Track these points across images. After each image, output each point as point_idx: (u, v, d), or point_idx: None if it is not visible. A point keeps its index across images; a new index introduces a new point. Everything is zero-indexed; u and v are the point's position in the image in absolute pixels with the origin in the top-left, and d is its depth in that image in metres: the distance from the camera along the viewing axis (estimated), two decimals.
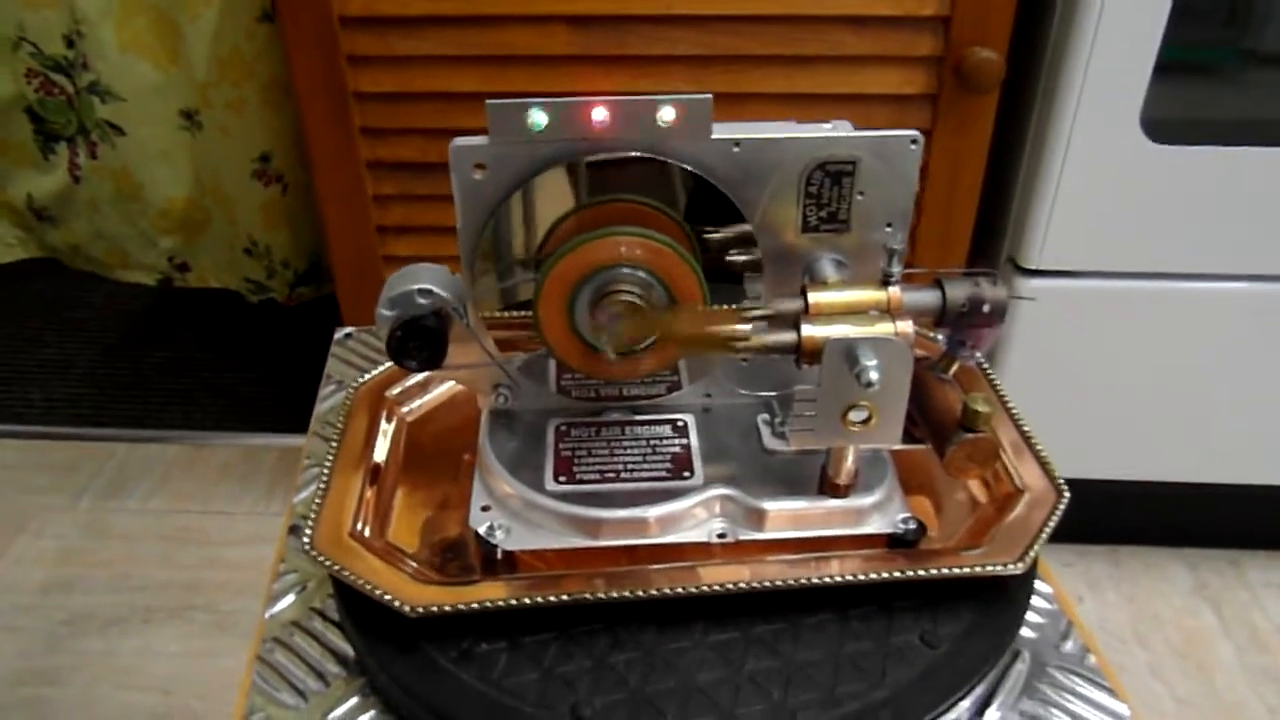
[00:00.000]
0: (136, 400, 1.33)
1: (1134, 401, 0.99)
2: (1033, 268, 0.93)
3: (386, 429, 0.52)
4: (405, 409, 0.54)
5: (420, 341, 0.45)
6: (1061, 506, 0.45)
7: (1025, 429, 0.49)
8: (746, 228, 0.45)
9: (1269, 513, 1.08)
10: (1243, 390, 0.97)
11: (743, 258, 0.46)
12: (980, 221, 0.92)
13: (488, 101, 0.41)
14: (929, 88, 0.85)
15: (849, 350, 0.40)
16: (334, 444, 0.49)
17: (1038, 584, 0.47)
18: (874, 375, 0.39)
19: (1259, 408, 0.98)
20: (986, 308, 0.43)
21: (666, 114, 0.41)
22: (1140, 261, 0.92)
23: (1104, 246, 0.91)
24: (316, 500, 0.46)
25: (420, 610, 0.41)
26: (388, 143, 0.90)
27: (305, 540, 0.43)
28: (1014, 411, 0.50)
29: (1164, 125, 0.86)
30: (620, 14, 0.83)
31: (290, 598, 0.47)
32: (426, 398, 0.54)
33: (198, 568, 1.11)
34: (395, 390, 0.54)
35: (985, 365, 0.53)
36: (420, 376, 0.54)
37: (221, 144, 1.29)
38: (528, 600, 0.41)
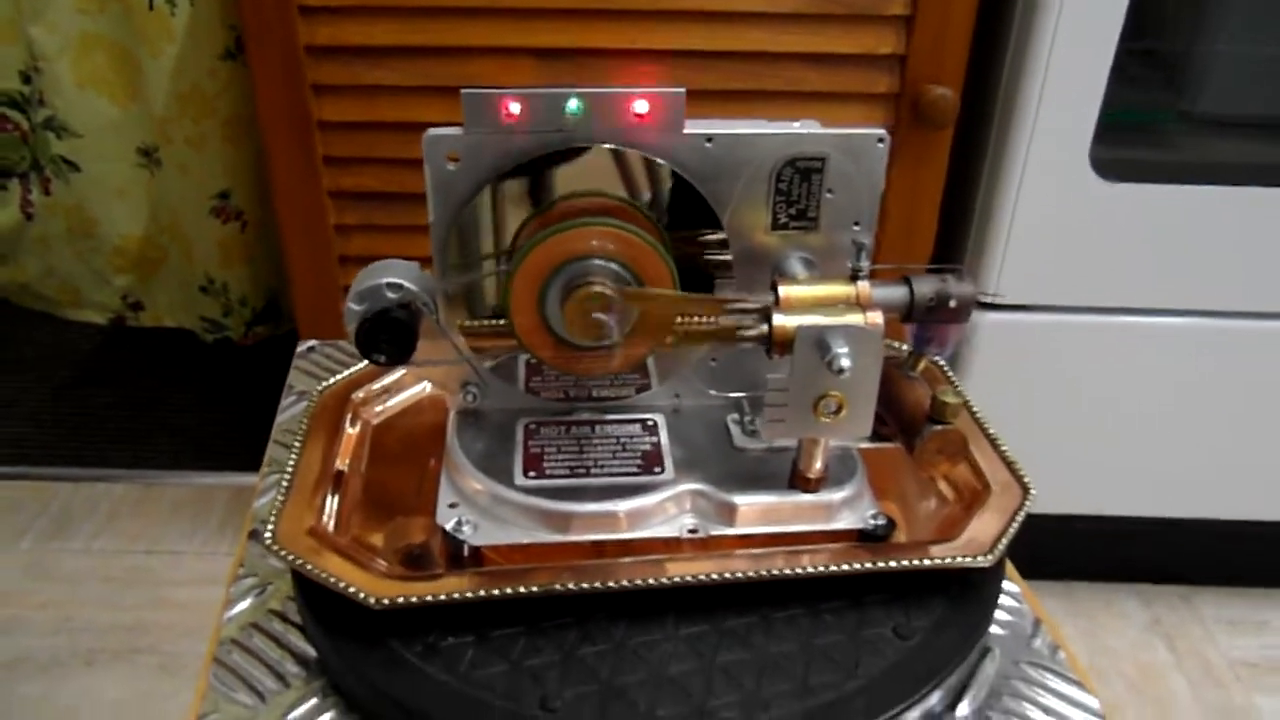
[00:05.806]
0: (83, 439, 1.30)
1: (1088, 436, 1.00)
2: (988, 301, 0.94)
3: (351, 432, 0.51)
4: (370, 412, 0.53)
5: (389, 334, 0.44)
6: (1029, 501, 0.45)
7: (988, 427, 0.50)
8: (716, 235, 0.46)
9: (1221, 547, 1.10)
10: (1195, 425, 0.99)
11: (712, 259, 0.47)
12: (936, 256, 0.94)
13: (463, 91, 0.41)
14: (887, 123, 0.87)
15: (820, 339, 0.40)
16: (297, 444, 0.48)
17: (1005, 583, 0.47)
18: (845, 363, 0.40)
19: (1211, 442, 1.00)
20: (953, 303, 0.44)
21: (640, 106, 0.42)
22: (1094, 296, 0.94)
23: (1058, 281, 0.93)
24: (279, 498, 0.45)
25: (385, 602, 0.40)
26: (351, 172, 0.90)
27: (267, 536, 0.42)
28: (975, 411, 0.51)
29: (1113, 164, 0.89)
30: (585, 47, 0.84)
31: (248, 601, 0.46)
32: (391, 402, 0.53)
33: (143, 608, 1.08)
34: (360, 394, 0.53)
35: (945, 366, 0.54)
36: (386, 380, 0.53)
37: (180, 181, 1.28)
38: (495, 592, 0.40)
